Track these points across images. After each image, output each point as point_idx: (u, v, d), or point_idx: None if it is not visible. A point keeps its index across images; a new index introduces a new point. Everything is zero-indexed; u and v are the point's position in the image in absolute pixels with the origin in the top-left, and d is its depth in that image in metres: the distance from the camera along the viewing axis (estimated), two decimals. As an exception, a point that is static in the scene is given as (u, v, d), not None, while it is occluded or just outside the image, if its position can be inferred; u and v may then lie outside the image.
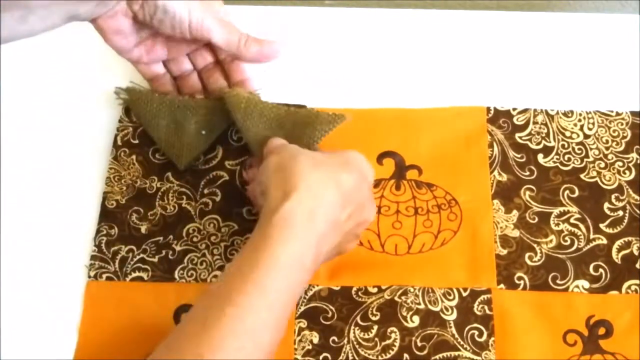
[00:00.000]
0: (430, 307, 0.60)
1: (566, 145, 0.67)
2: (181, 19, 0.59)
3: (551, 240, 0.63)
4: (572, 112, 0.68)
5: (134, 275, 0.62)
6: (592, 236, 0.63)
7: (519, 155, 0.66)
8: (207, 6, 0.61)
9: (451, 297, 0.60)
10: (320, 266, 0.56)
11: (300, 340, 0.59)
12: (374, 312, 0.60)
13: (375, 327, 0.59)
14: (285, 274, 0.50)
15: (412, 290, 0.61)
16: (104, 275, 0.62)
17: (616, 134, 0.67)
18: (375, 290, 0.61)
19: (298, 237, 0.51)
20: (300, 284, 0.52)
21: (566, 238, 0.63)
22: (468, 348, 0.58)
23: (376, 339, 0.59)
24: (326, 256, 0.56)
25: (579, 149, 0.66)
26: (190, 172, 0.66)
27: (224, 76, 0.67)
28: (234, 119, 0.64)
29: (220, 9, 0.63)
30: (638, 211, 0.63)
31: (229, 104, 0.63)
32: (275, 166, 0.55)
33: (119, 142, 0.68)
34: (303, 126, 0.62)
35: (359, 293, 0.61)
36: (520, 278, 0.61)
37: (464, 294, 0.60)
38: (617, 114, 0.68)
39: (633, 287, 0.60)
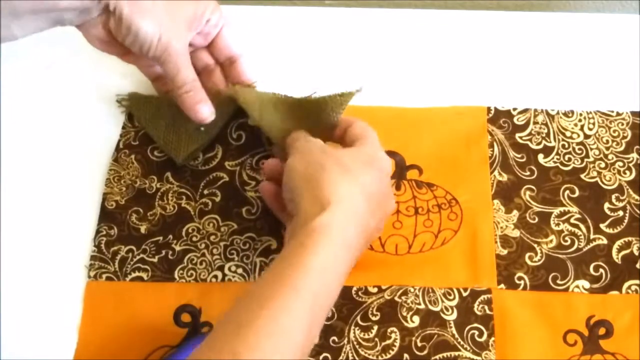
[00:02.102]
0: (430, 307, 0.60)
1: (566, 145, 0.66)
2: (149, 46, 0.60)
3: (551, 240, 0.63)
4: (572, 112, 0.68)
5: (133, 275, 0.62)
6: (592, 236, 0.63)
7: (519, 155, 0.66)
8: (181, 32, 0.62)
9: (451, 297, 0.60)
10: None
11: (300, 340, 0.59)
12: (374, 312, 0.60)
13: (375, 327, 0.59)
14: (319, 279, 0.50)
15: (412, 290, 0.60)
16: (104, 276, 0.62)
17: (616, 134, 0.67)
18: (375, 290, 0.61)
19: (332, 246, 0.52)
20: (333, 291, 0.52)
21: (566, 238, 0.63)
22: (468, 348, 0.58)
23: (376, 339, 0.59)
24: (356, 260, 0.56)
25: (579, 149, 0.66)
26: (190, 173, 0.66)
27: (224, 77, 0.68)
28: (250, 116, 0.64)
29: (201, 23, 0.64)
30: (638, 211, 0.63)
31: (244, 101, 0.64)
32: (303, 175, 0.55)
33: (121, 146, 0.68)
34: (317, 113, 0.62)
35: (359, 293, 0.61)
36: (520, 278, 0.61)
37: (464, 294, 0.60)
38: (618, 114, 0.68)
39: (633, 287, 0.60)
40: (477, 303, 0.60)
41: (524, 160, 0.66)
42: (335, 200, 0.53)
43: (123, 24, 0.59)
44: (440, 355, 0.58)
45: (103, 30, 0.61)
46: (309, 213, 0.53)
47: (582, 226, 0.63)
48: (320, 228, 0.52)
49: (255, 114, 0.64)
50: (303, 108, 0.64)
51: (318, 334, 0.52)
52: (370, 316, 0.60)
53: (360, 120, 0.61)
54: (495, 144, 0.67)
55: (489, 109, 0.68)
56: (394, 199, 0.61)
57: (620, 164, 0.66)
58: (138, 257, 0.63)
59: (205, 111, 0.64)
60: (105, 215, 0.65)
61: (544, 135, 0.67)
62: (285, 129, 0.63)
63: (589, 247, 0.62)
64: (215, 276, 0.62)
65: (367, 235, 0.56)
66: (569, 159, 0.66)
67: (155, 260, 0.63)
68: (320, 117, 0.62)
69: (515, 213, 0.64)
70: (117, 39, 0.61)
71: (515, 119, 0.68)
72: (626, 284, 0.61)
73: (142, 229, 0.64)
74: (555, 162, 0.66)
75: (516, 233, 0.63)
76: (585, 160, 0.66)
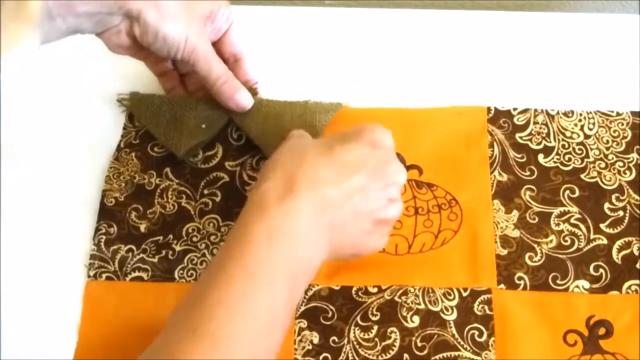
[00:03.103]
0: (430, 307, 0.60)
1: (566, 146, 0.67)
2: (177, 49, 0.60)
3: (551, 241, 0.63)
4: (572, 112, 0.68)
5: (133, 275, 0.62)
6: (592, 236, 0.63)
7: (519, 155, 0.66)
8: (202, 29, 0.62)
9: (451, 297, 0.60)
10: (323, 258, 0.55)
11: (301, 341, 0.59)
12: (374, 312, 0.60)
13: (375, 327, 0.59)
14: (258, 247, 0.50)
15: (412, 290, 0.60)
16: (104, 275, 0.62)
17: (616, 134, 0.67)
18: (375, 290, 0.61)
19: (268, 215, 0.51)
20: (283, 260, 0.51)
21: (566, 238, 0.63)
22: (468, 348, 0.58)
23: (376, 339, 0.59)
24: (343, 236, 0.54)
25: (579, 149, 0.66)
26: (189, 172, 0.66)
27: None
28: (232, 117, 0.65)
29: (215, 23, 0.64)
30: (638, 211, 0.63)
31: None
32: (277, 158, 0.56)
33: (122, 145, 0.68)
34: (300, 116, 0.64)
35: (359, 293, 0.61)
36: (520, 278, 0.61)
37: (464, 294, 0.60)
38: (618, 114, 0.68)
39: (633, 287, 0.60)
40: (477, 303, 0.60)
41: (524, 160, 0.66)
42: (279, 169, 0.53)
43: (150, 31, 0.59)
44: (440, 355, 0.58)
45: (127, 37, 0.60)
46: (258, 182, 0.54)
47: (582, 226, 0.63)
48: (258, 198, 0.52)
49: (236, 114, 0.65)
50: (287, 112, 0.65)
51: (278, 310, 0.50)
52: (370, 316, 0.60)
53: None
54: (495, 144, 0.67)
55: (489, 109, 0.68)
56: (402, 171, 0.57)
57: (620, 164, 0.66)
58: (138, 257, 0.63)
59: (245, 98, 0.64)
60: (105, 213, 0.65)
61: (544, 135, 0.67)
62: (267, 131, 0.64)
63: (589, 247, 0.62)
64: (215, 276, 0.62)
65: (342, 204, 0.53)
66: (569, 159, 0.66)
67: (155, 260, 0.63)
68: (305, 123, 0.64)
69: (515, 213, 0.64)
70: (140, 44, 0.61)
71: (515, 119, 0.68)
72: (626, 284, 0.61)
73: (142, 228, 0.64)
74: (555, 162, 0.66)
75: (516, 233, 0.63)
76: (585, 160, 0.66)
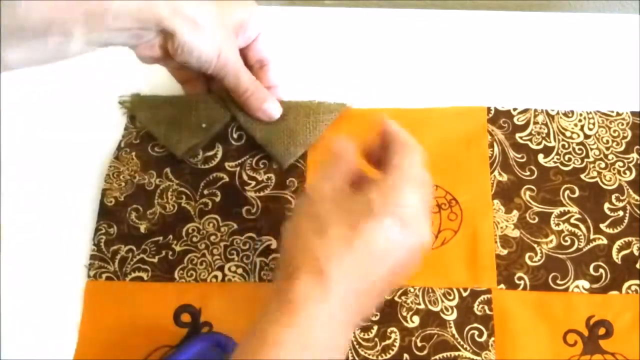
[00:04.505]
0: (430, 307, 0.60)
1: (566, 146, 0.66)
2: (208, 66, 0.60)
3: (551, 241, 0.63)
4: (572, 112, 0.68)
5: (133, 275, 0.62)
6: (592, 236, 0.63)
7: (519, 155, 0.66)
8: (233, 41, 0.62)
9: (451, 297, 0.60)
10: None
11: (300, 340, 0.59)
12: (374, 312, 0.60)
13: (375, 327, 0.59)
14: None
15: (412, 290, 0.60)
16: (104, 275, 0.62)
17: (616, 134, 0.67)
18: (375, 290, 0.61)
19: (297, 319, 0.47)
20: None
21: (566, 238, 0.63)
22: (468, 348, 0.58)
23: (376, 339, 0.59)
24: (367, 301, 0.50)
25: (579, 149, 0.66)
26: (189, 172, 0.66)
27: None
28: (237, 117, 0.65)
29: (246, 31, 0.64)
30: (638, 211, 0.63)
31: (230, 103, 0.65)
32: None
33: (122, 145, 0.68)
34: (305, 117, 0.64)
35: (359, 293, 0.61)
36: (520, 278, 0.61)
37: (464, 294, 0.60)
38: (618, 114, 0.68)
39: (633, 287, 0.60)
40: (477, 303, 0.60)
41: (524, 160, 0.66)
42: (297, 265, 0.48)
43: (184, 49, 0.58)
44: (440, 355, 0.58)
45: (159, 49, 0.59)
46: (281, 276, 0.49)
47: (582, 226, 0.63)
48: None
49: (240, 115, 0.65)
50: (292, 110, 0.65)
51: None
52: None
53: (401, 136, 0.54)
54: (495, 144, 0.67)
55: (489, 109, 0.68)
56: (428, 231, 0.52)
57: (620, 164, 0.66)
58: (138, 257, 0.63)
59: (273, 108, 0.64)
60: (105, 213, 0.65)
61: (544, 135, 0.67)
62: (272, 131, 0.64)
63: (589, 247, 0.62)
64: (215, 276, 0.62)
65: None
66: (569, 159, 0.66)
67: (155, 260, 0.63)
68: (308, 121, 0.65)
69: (515, 213, 0.64)
70: (171, 56, 0.59)
71: (515, 119, 0.68)
72: (626, 284, 0.61)
73: (142, 228, 0.64)
74: (555, 162, 0.66)
75: (516, 233, 0.63)
76: (585, 160, 0.66)
